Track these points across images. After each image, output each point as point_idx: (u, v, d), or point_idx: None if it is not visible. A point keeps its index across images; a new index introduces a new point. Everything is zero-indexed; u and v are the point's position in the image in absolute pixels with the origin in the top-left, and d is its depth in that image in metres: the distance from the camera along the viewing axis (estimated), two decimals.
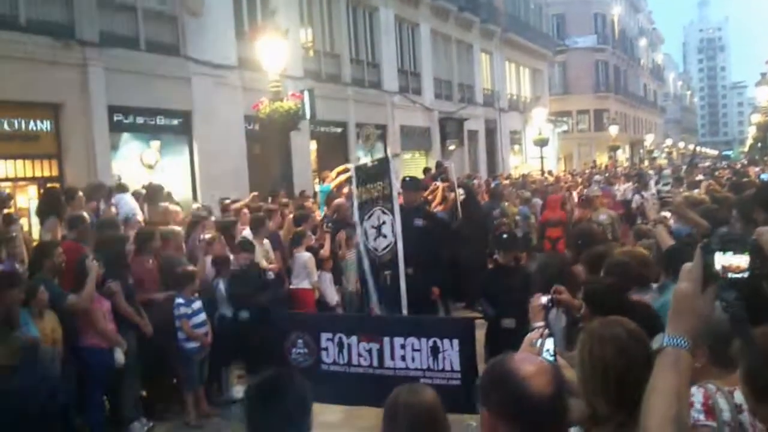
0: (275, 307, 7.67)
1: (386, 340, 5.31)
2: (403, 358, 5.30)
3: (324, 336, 5.57)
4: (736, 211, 5.60)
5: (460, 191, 11.26)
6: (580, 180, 23.98)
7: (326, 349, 5.55)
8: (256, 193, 12.14)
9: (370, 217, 7.05)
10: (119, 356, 6.74)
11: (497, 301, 6.40)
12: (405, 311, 6.50)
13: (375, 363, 5.48)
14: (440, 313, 9.63)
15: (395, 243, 6.72)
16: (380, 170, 7.08)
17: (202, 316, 7.40)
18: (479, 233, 11.06)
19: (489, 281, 6.83)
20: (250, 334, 7.42)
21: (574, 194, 16.74)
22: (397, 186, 7.09)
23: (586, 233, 6.85)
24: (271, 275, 8.15)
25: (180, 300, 7.21)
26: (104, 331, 6.61)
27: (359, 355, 5.53)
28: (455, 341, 5.09)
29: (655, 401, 1.70)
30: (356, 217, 7.39)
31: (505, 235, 7.10)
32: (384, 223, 6.90)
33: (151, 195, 10.25)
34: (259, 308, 7.54)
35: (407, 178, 8.94)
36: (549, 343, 2.79)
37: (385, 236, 6.90)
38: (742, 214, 5.31)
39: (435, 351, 5.13)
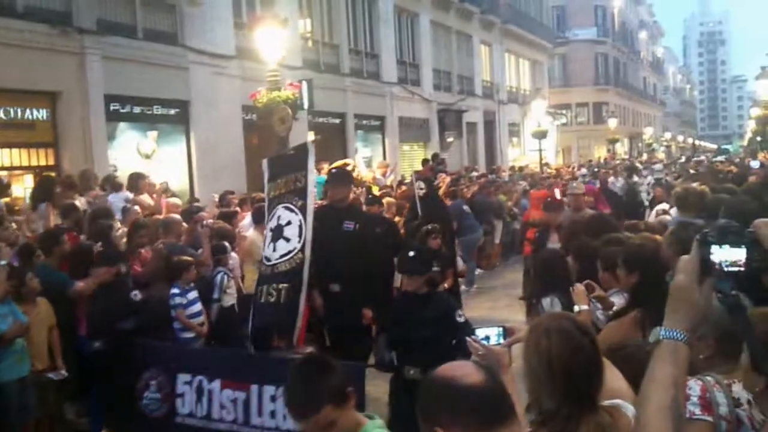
0: (139, 336, 5.88)
1: (254, 388, 4.20)
2: (273, 414, 4.12)
3: (181, 378, 4.50)
4: None
5: (420, 185, 9.87)
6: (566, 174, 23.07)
7: (182, 395, 4.49)
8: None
9: (271, 218, 5.62)
10: None
11: (402, 340, 4.91)
12: (295, 338, 5.18)
13: (240, 418, 4.37)
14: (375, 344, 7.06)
15: (302, 249, 5.22)
16: (296, 160, 5.69)
17: (198, 306, 7.35)
18: (442, 231, 9.46)
19: (393, 313, 5.17)
20: (103, 370, 5.74)
21: (557, 192, 15.51)
22: (313, 179, 5.69)
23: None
24: (138, 296, 6.23)
25: (175, 290, 7.17)
26: None
27: (222, 406, 4.42)
28: None
29: (650, 392, 1.69)
30: (265, 221, 6.02)
31: (412, 253, 5.12)
32: (289, 223, 5.39)
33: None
34: (118, 338, 5.73)
35: (334, 170, 7.51)
36: (491, 332, 2.84)
37: (287, 239, 5.35)
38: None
39: None
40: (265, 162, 6.17)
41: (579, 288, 4.14)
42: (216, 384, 4.38)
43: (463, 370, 1.86)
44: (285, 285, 5.22)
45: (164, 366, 4.63)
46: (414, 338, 4.72)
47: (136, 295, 6.17)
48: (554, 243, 7.71)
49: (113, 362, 5.55)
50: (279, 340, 5.14)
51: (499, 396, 1.83)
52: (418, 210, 9.44)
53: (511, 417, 1.83)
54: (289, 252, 5.29)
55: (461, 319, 4.85)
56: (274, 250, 5.38)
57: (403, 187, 14.44)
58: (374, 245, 6.78)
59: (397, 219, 10.72)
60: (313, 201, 5.55)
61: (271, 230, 5.51)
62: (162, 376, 4.58)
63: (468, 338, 2.94)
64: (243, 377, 4.35)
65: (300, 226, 5.30)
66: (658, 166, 19.08)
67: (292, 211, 5.38)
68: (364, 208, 9.11)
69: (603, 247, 4.67)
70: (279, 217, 5.45)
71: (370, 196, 11.19)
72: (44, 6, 11.82)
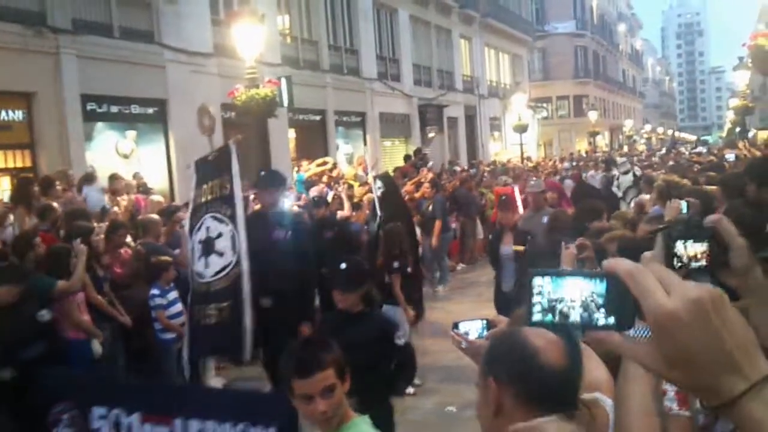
0: (48, 363, 5.29)
1: (178, 422, 3.80)
2: None
3: (96, 411, 4.05)
4: (721, 189, 5.55)
5: (378, 184, 9.28)
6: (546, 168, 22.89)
7: (97, 431, 4.06)
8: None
9: (198, 228, 5.24)
10: (96, 347, 6.68)
11: None
12: (246, 355, 4.84)
13: None
14: None
15: (237, 263, 4.89)
16: (221, 163, 5.30)
17: (179, 306, 7.32)
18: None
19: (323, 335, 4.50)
20: (11, 402, 5.08)
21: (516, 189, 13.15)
22: (239, 182, 5.26)
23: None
24: (45, 316, 5.52)
25: (155, 290, 7.14)
26: (79, 322, 6.52)
27: None
28: (272, 430, 3.52)
29: (628, 389, 1.69)
30: (186, 229, 5.68)
31: (344, 265, 4.33)
32: (220, 235, 5.04)
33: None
34: (26, 365, 5.14)
35: (263, 172, 7.11)
36: (474, 325, 2.85)
37: (220, 254, 5.01)
38: (726, 191, 5.27)
39: None
40: (193, 165, 5.80)
41: (570, 250, 4.13)
42: (135, 417, 3.91)
43: (549, 345, 1.79)
44: (225, 304, 4.96)
45: (77, 398, 4.13)
46: (348, 363, 4.37)
47: (43, 315, 5.47)
48: (508, 245, 7.17)
49: (23, 394, 4.81)
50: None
51: (570, 387, 1.78)
52: (377, 210, 8.92)
53: (571, 412, 1.75)
54: (225, 268, 5.02)
55: (401, 342, 4.34)
56: (207, 266, 5.08)
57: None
58: (309, 255, 6.11)
59: None
60: (242, 208, 5.22)
61: (201, 242, 5.18)
62: (76, 410, 4.09)
63: (451, 332, 2.93)
64: (166, 410, 3.91)
65: (233, 238, 5.00)
66: (621, 159, 18.94)
67: (221, 221, 5.09)
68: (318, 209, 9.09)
69: (592, 237, 4.69)
70: (208, 229, 5.16)
71: (310, 197, 10.75)
72: (18, 6, 11.66)
